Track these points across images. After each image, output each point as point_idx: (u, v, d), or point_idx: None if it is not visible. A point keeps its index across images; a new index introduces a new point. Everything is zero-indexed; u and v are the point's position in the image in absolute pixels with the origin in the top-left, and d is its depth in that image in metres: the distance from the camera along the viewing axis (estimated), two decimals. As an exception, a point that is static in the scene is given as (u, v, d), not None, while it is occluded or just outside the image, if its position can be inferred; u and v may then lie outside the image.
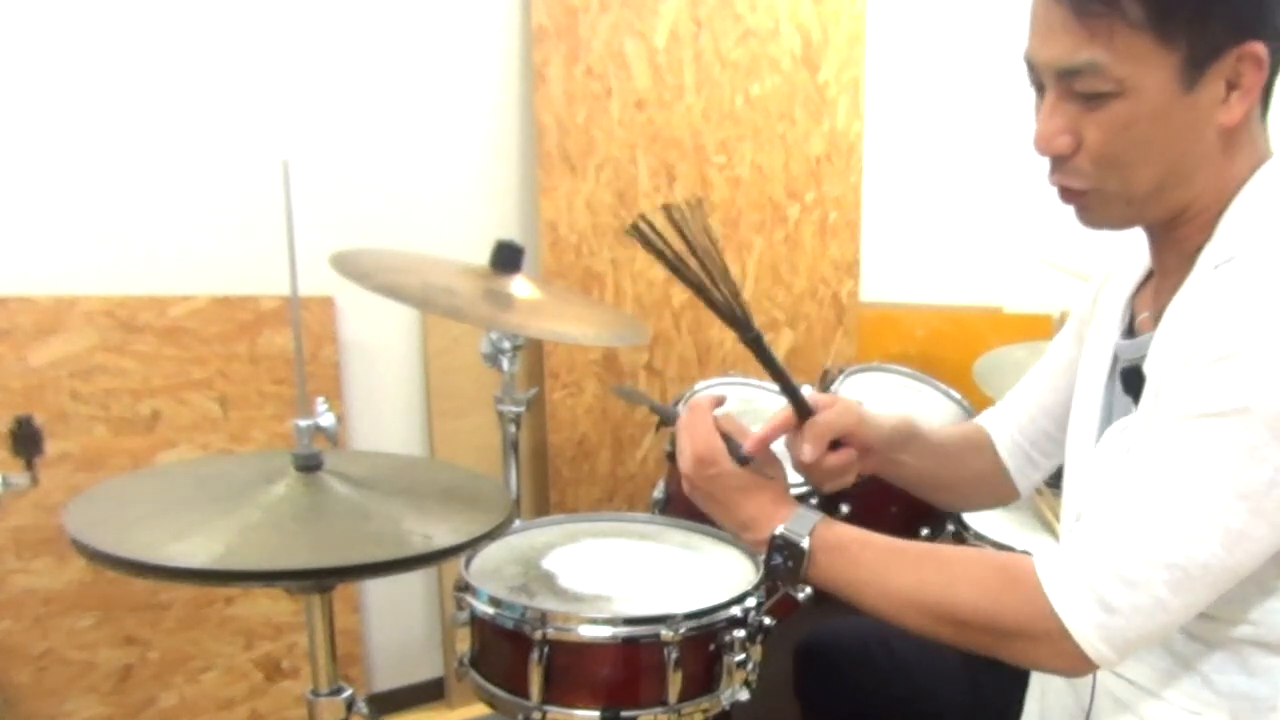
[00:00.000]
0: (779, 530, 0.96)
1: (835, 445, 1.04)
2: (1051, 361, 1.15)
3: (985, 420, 1.22)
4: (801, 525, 0.96)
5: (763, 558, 1.00)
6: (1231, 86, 0.82)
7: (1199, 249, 0.86)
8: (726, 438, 1.02)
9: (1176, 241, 0.90)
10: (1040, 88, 0.87)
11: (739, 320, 0.97)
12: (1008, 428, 1.19)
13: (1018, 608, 0.84)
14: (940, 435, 1.19)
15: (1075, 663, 0.82)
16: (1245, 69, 0.81)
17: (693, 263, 0.93)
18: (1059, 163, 0.87)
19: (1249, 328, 0.75)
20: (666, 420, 1.29)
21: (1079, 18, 0.80)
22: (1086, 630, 0.80)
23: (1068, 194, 0.89)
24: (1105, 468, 0.93)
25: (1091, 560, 0.80)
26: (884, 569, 0.93)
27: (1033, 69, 0.86)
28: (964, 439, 1.21)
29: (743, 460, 1.02)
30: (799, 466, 1.06)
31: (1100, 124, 0.83)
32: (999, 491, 1.20)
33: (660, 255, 0.93)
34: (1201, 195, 0.86)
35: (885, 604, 0.92)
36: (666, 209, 0.93)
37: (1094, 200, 0.87)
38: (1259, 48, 0.81)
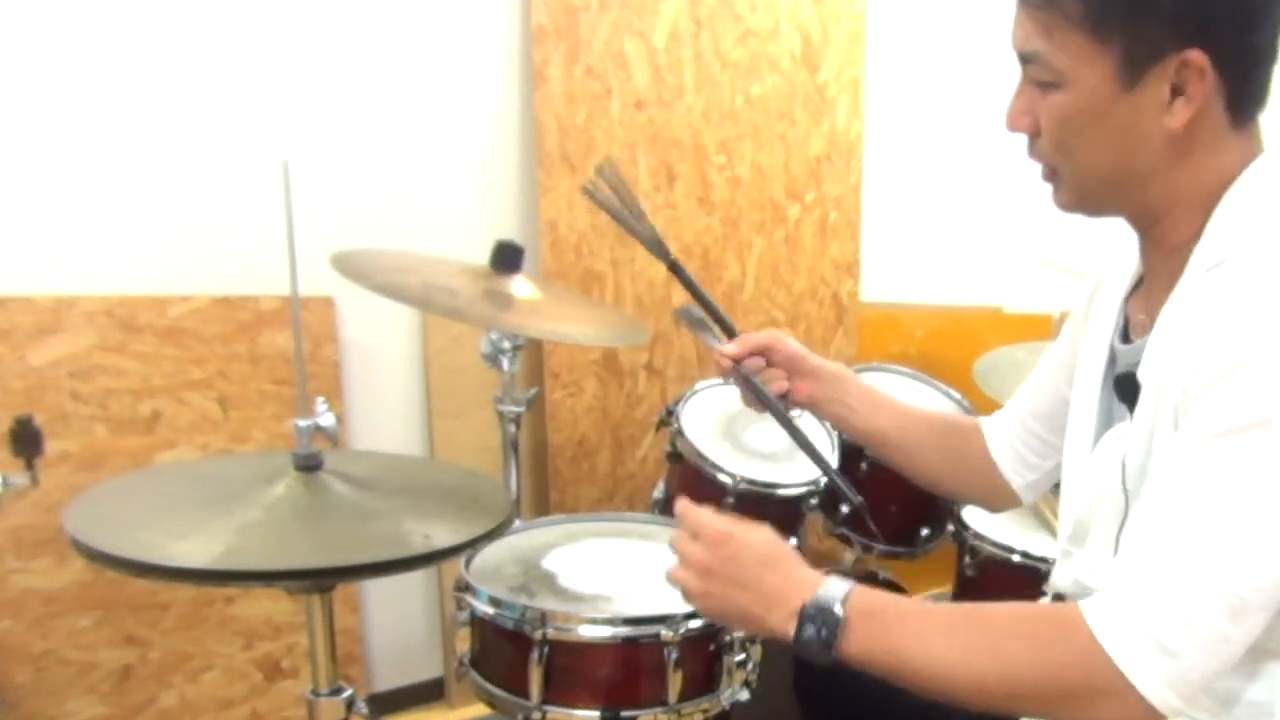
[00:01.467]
0: (810, 598, 0.87)
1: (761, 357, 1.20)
2: (1044, 365, 1.15)
3: (984, 418, 1.23)
4: (835, 591, 0.88)
5: (791, 632, 0.89)
6: (1176, 92, 0.82)
7: (1183, 248, 0.87)
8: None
9: (1157, 239, 0.91)
10: None
11: (658, 246, 1.24)
12: (1000, 425, 1.20)
13: (1074, 663, 0.78)
14: (919, 408, 1.26)
15: (1143, 715, 0.77)
16: (1188, 76, 0.82)
17: (622, 209, 1.23)
18: (1031, 142, 0.91)
19: (1255, 336, 0.75)
20: (730, 333, 1.24)
21: (1026, 9, 0.86)
22: (1151, 680, 0.76)
23: (1043, 172, 0.93)
24: (1101, 474, 0.93)
25: (1143, 604, 0.76)
26: (927, 634, 0.85)
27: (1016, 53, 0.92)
28: (950, 419, 1.26)
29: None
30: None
31: (1047, 111, 0.87)
32: (992, 487, 1.19)
33: (604, 207, 1.24)
34: (1163, 196, 0.87)
35: (930, 673, 0.84)
36: (592, 181, 1.24)
37: (1058, 181, 0.92)
38: (1199, 57, 0.81)
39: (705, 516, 0.97)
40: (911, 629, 0.86)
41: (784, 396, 1.19)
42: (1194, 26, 0.81)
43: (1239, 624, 0.75)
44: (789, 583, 0.90)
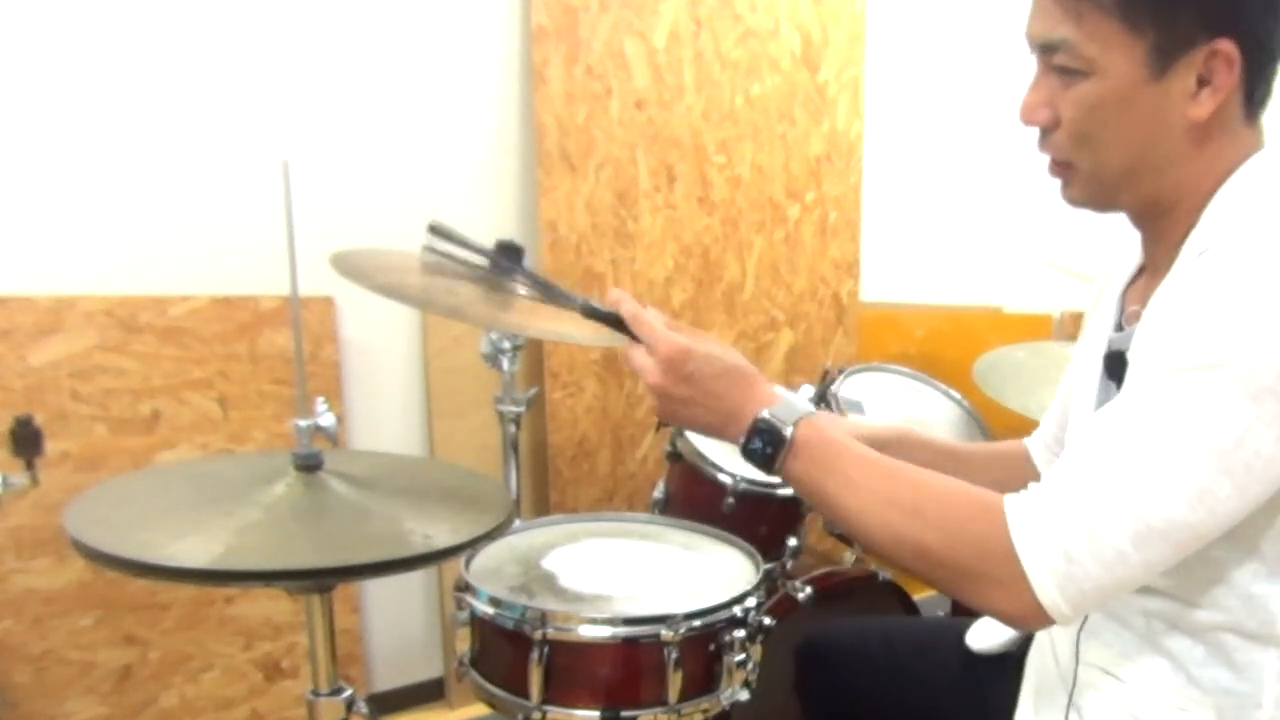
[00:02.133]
0: (764, 413, 0.92)
1: None
2: (1067, 372, 1.16)
3: (1027, 440, 1.23)
4: (788, 413, 0.92)
5: (741, 440, 0.94)
6: (1203, 82, 0.83)
7: (1184, 241, 0.87)
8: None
9: (1162, 233, 0.91)
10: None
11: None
12: (1040, 443, 1.20)
13: (980, 544, 0.82)
14: (974, 448, 1.26)
15: (1028, 611, 0.80)
16: (1216, 66, 0.82)
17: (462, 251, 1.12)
18: (1044, 135, 0.90)
19: (1225, 291, 0.76)
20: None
21: None
22: (1044, 578, 0.79)
23: (1053, 166, 0.92)
24: None
25: (1059, 507, 0.79)
26: (856, 476, 0.89)
27: (1029, 45, 0.90)
28: (1000, 451, 1.25)
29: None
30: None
31: (1072, 101, 0.86)
32: None
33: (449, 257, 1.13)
34: (1176, 187, 0.87)
35: (847, 517, 0.89)
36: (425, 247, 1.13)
37: (1072, 176, 0.90)
38: (1229, 46, 0.82)
39: (660, 334, 0.97)
40: (845, 471, 0.89)
41: None
42: (1226, 16, 0.81)
43: (1140, 549, 0.77)
44: (749, 397, 0.94)
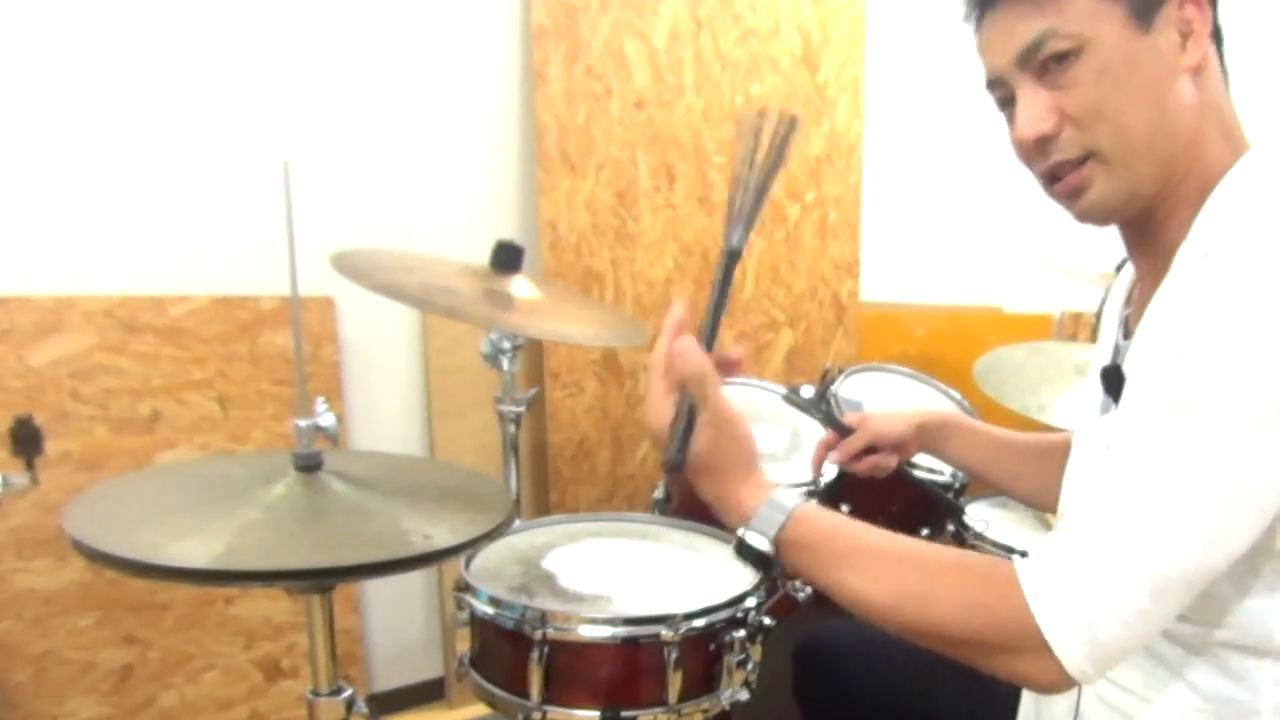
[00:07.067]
0: (741, 531, 0.90)
1: (872, 451, 1.35)
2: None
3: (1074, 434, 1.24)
4: (766, 524, 0.89)
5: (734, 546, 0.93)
6: (1184, 34, 0.85)
7: (1174, 249, 0.87)
8: None
9: (1154, 234, 0.90)
10: (1006, 103, 0.91)
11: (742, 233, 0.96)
12: None
13: (1000, 621, 0.81)
14: (1016, 437, 1.33)
15: (1056, 678, 0.79)
16: (1190, 12, 0.85)
17: (754, 170, 0.94)
18: (1048, 144, 0.88)
19: (1213, 323, 0.75)
20: (842, 434, 1.35)
21: (1016, 3, 0.85)
22: (1071, 649, 0.78)
23: (1065, 175, 0.88)
24: (1086, 464, 0.95)
25: (1074, 572, 0.78)
26: (860, 569, 0.87)
27: (998, 84, 0.90)
28: (1045, 443, 1.28)
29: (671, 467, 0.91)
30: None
31: (1075, 83, 0.85)
32: None
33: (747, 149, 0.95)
34: (1179, 148, 0.87)
35: (857, 607, 0.87)
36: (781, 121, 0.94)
37: (1093, 172, 0.87)
38: None
39: (711, 379, 0.91)
40: (843, 564, 0.87)
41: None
42: None
43: (1159, 603, 0.77)
44: (723, 505, 0.92)
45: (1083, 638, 0.77)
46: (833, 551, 0.88)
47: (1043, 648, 0.79)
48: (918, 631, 0.85)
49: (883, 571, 0.87)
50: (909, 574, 0.86)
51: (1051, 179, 0.90)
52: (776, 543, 0.89)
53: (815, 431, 1.77)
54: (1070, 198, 0.90)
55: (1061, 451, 1.18)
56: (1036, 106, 0.87)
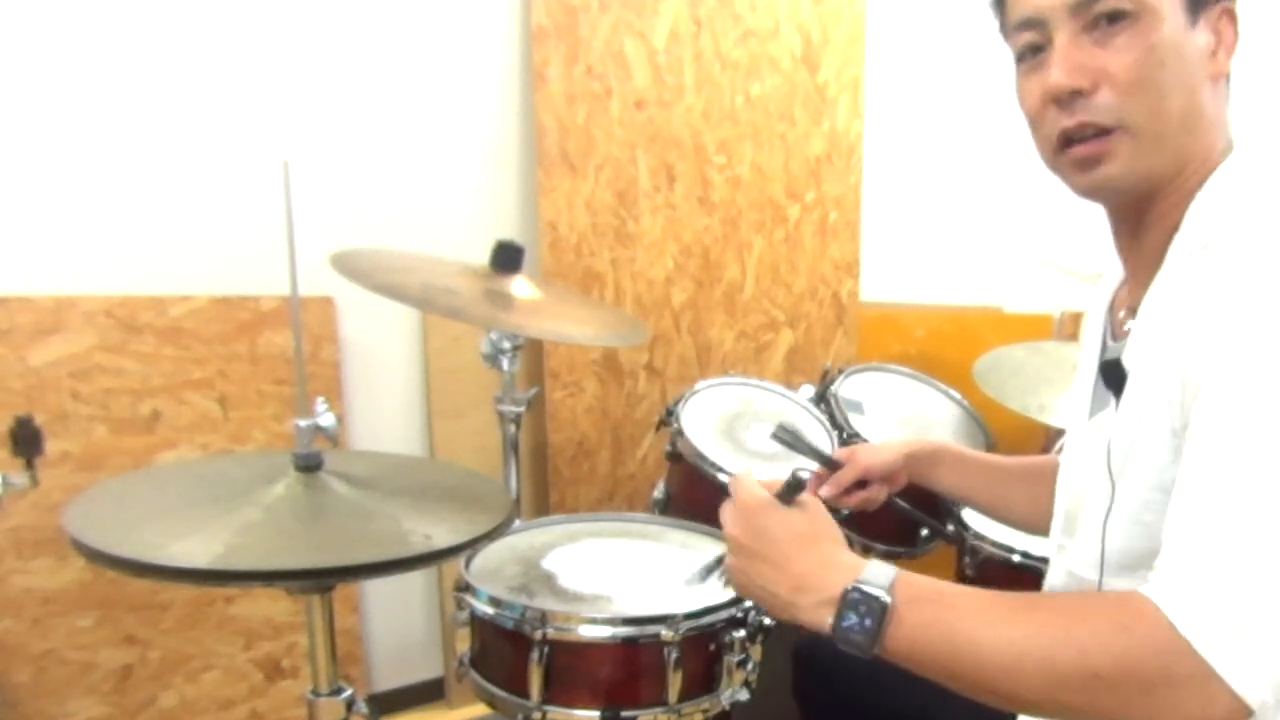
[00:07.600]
0: (852, 584, 0.79)
1: (863, 484, 1.33)
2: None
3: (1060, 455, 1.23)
4: (879, 576, 0.79)
5: (830, 621, 0.80)
6: (1217, 43, 0.86)
7: (1164, 242, 0.87)
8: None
9: (1143, 228, 0.90)
10: (1034, 49, 0.88)
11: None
12: None
13: (1151, 652, 0.70)
14: (1006, 462, 1.32)
15: (1231, 711, 0.69)
16: (1224, 27, 0.86)
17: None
18: (1076, 101, 0.85)
19: (1250, 318, 0.74)
20: (831, 468, 1.34)
21: None
22: (1233, 663, 0.68)
23: (1087, 139, 0.86)
24: (1086, 463, 0.93)
25: (1213, 583, 0.70)
26: (989, 619, 0.76)
27: (1034, 25, 0.87)
28: (1033, 465, 1.28)
29: (792, 488, 0.88)
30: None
31: (1124, 47, 0.83)
32: None
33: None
34: (1195, 149, 0.87)
35: (995, 661, 0.75)
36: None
37: (1121, 144, 0.85)
38: (1233, 8, 0.86)
39: (745, 483, 0.90)
40: (971, 613, 0.77)
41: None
42: None
43: None
44: (825, 566, 0.83)
45: (1242, 648, 0.69)
46: (954, 600, 0.79)
47: (1204, 672, 0.69)
48: (1064, 681, 0.73)
49: (1011, 616, 0.76)
50: (1042, 613, 0.76)
51: (1066, 142, 0.87)
52: (894, 592, 0.78)
53: (815, 432, 1.77)
54: (1084, 166, 0.87)
55: (1050, 473, 1.17)
56: (1077, 57, 0.84)
